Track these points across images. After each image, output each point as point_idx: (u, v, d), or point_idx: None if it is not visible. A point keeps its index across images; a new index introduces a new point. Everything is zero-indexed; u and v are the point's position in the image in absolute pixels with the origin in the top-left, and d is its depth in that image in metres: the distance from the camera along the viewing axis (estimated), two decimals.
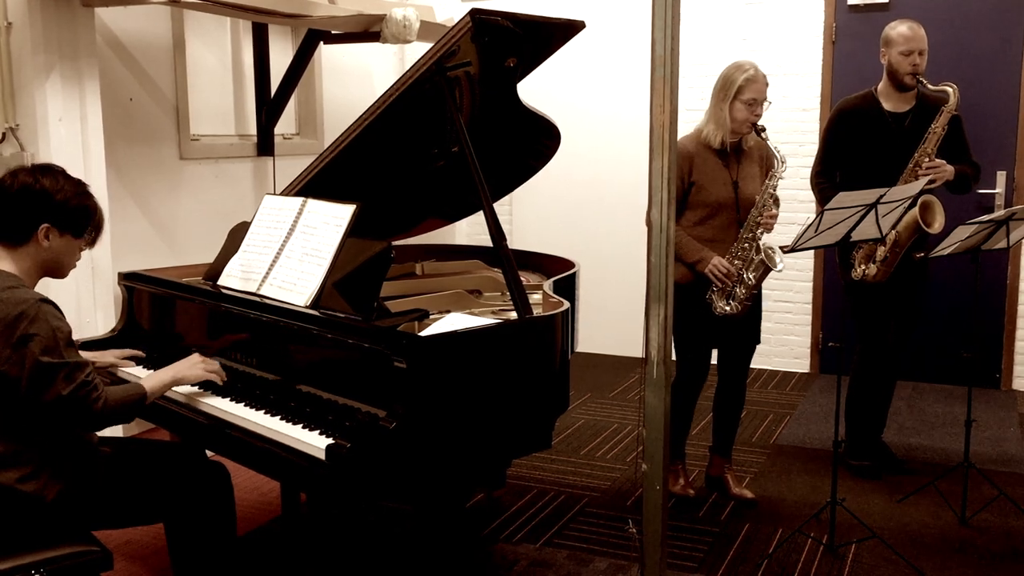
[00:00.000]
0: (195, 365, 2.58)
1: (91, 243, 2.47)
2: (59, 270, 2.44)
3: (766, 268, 3.52)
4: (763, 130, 3.51)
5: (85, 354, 2.85)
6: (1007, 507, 3.66)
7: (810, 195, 4.39)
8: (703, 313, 3.58)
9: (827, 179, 3.94)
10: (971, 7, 5.25)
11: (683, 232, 3.55)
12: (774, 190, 3.53)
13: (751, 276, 3.53)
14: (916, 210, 3.63)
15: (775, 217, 3.55)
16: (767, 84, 3.52)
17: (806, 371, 5.84)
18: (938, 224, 3.70)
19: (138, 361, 2.94)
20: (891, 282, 3.84)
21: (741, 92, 3.48)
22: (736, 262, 3.54)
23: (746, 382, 3.86)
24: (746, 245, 3.55)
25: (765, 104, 3.52)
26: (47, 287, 3.81)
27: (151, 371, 2.78)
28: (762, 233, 3.54)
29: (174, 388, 2.59)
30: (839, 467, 3.38)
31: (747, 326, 3.70)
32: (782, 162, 3.49)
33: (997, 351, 5.40)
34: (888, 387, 4.12)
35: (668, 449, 2.27)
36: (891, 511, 3.70)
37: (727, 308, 3.55)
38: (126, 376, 2.85)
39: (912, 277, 3.90)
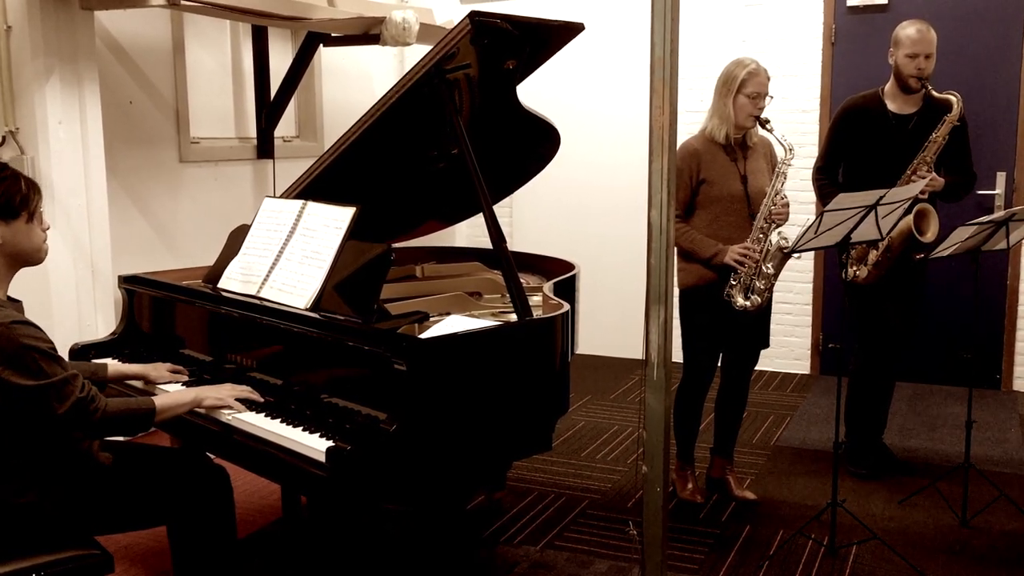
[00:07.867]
0: (220, 388, 2.55)
1: (31, 216, 2.30)
2: (28, 257, 2.33)
3: (783, 256, 3.51)
4: (767, 122, 3.52)
5: (135, 367, 2.81)
6: (1008, 508, 3.66)
7: (811, 196, 4.40)
8: (719, 315, 3.57)
9: (828, 176, 3.95)
10: (971, 8, 5.25)
11: (695, 231, 3.55)
12: (785, 178, 3.54)
13: (769, 266, 3.53)
14: (910, 218, 3.63)
15: (787, 206, 3.55)
16: (769, 79, 3.54)
17: (806, 372, 5.84)
18: (931, 233, 3.69)
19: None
20: (890, 283, 3.84)
21: (744, 86, 3.50)
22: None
23: (749, 384, 3.86)
24: (760, 235, 3.54)
25: (767, 99, 3.53)
26: (45, 289, 3.83)
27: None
28: (774, 224, 3.54)
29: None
30: (839, 469, 3.38)
31: (756, 329, 3.70)
32: (790, 150, 3.48)
33: (997, 352, 5.40)
34: (887, 387, 4.11)
35: (668, 451, 2.27)
36: (892, 512, 3.70)
37: (747, 303, 3.53)
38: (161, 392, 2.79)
39: (910, 278, 3.90)
